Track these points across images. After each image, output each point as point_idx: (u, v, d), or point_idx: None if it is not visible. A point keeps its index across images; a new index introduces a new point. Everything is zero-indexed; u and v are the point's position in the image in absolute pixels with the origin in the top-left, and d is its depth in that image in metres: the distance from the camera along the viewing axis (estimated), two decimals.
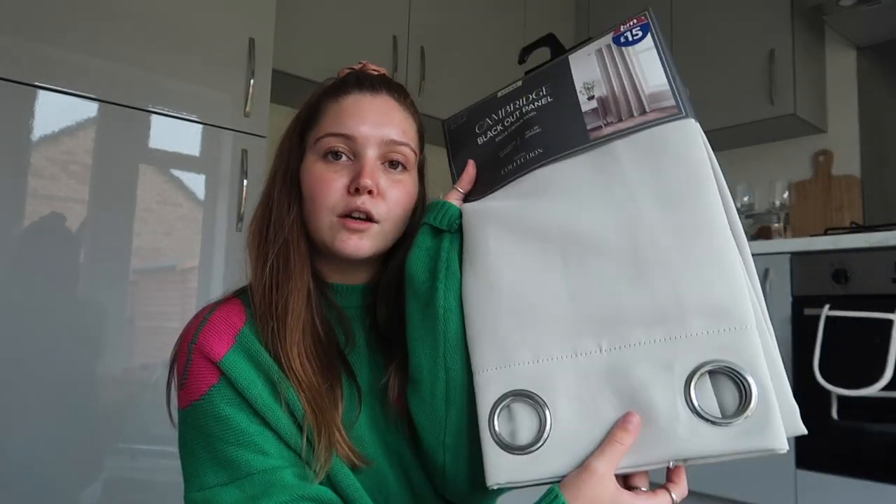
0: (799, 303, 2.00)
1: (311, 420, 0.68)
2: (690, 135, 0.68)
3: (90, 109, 1.52)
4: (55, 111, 1.47)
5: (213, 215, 1.68)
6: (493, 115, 0.82)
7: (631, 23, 0.75)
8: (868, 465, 1.82)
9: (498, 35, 2.83)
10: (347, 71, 0.83)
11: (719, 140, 2.77)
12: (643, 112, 0.70)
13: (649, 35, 0.73)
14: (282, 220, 0.76)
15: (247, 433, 0.67)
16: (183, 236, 1.64)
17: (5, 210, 1.40)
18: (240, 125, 1.73)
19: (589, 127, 0.72)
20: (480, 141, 0.81)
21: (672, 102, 0.70)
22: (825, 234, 2.17)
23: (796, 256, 2.04)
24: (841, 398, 1.83)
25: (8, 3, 1.41)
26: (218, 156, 1.70)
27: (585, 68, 0.76)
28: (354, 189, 0.72)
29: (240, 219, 1.70)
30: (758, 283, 0.64)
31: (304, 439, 0.68)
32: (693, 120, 0.69)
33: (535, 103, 0.78)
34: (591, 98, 0.74)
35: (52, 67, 1.46)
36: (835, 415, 1.84)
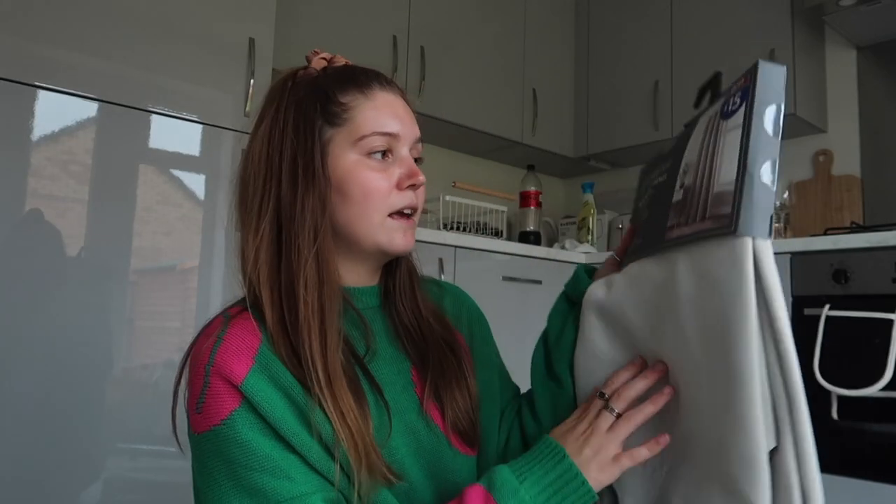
0: (799, 303, 2.00)
1: (348, 444, 0.65)
2: (734, 258, 0.55)
3: (90, 109, 1.52)
4: (55, 111, 1.47)
5: (213, 215, 1.68)
6: (646, 180, 0.81)
7: (740, 83, 0.59)
8: (868, 465, 1.82)
9: (498, 35, 2.83)
10: (324, 61, 0.81)
11: None
12: (703, 217, 0.59)
13: (744, 106, 0.57)
14: (315, 224, 0.70)
15: (272, 459, 0.64)
16: (183, 236, 1.64)
17: (5, 210, 1.40)
18: (240, 125, 1.73)
19: (668, 224, 0.65)
20: (640, 204, 0.82)
21: (728, 210, 0.55)
22: (825, 234, 2.17)
23: (796, 256, 2.04)
24: (841, 398, 1.83)
25: (8, 3, 1.41)
26: (218, 156, 1.70)
27: (693, 145, 0.65)
28: (408, 186, 0.74)
29: None
30: (801, 416, 0.56)
31: (338, 464, 0.65)
32: (745, 238, 0.54)
33: (658, 178, 0.73)
34: (681, 186, 0.64)
35: (52, 67, 1.46)
36: (835, 415, 1.84)
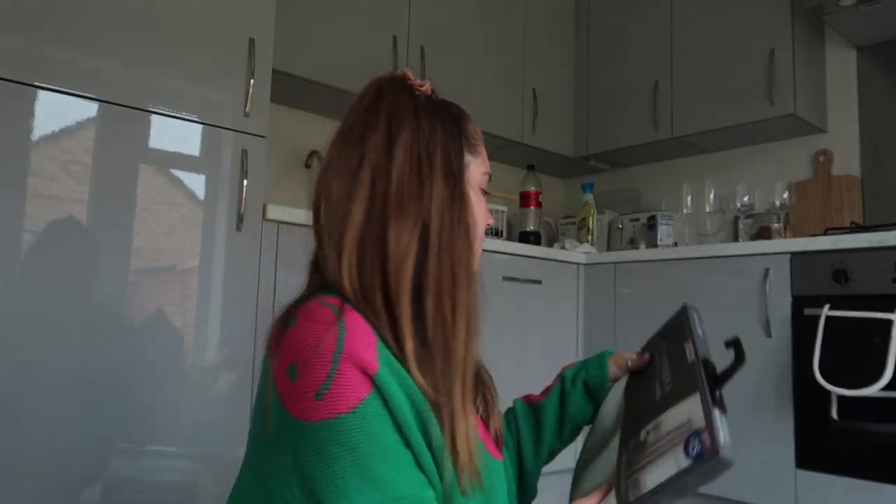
0: (799, 303, 2.00)
1: (465, 462, 0.69)
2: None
3: (90, 109, 1.52)
4: (55, 111, 1.46)
5: (213, 215, 1.68)
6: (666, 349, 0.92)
7: (703, 436, 0.67)
8: (868, 465, 1.82)
9: (498, 35, 2.83)
10: (405, 77, 0.83)
11: (719, 140, 2.77)
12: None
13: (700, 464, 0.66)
14: (466, 239, 0.77)
15: (396, 452, 0.64)
16: (183, 236, 1.64)
17: (5, 210, 1.40)
18: (240, 125, 1.73)
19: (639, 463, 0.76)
20: (654, 368, 0.92)
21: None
22: (825, 234, 2.17)
23: (796, 256, 2.04)
24: (841, 398, 1.83)
25: (8, 3, 1.41)
26: (218, 156, 1.70)
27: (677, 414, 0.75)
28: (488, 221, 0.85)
29: (240, 219, 1.69)
30: None
31: (446, 472, 0.68)
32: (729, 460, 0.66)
33: (664, 388, 0.83)
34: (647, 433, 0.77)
35: (52, 67, 1.46)
36: (835, 415, 1.84)
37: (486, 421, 0.83)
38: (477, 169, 0.83)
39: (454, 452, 0.68)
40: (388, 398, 0.65)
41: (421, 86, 0.82)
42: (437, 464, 0.67)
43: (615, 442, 0.84)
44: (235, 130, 1.72)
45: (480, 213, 0.82)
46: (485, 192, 0.85)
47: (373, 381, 0.64)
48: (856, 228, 2.20)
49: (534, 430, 1.01)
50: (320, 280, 0.75)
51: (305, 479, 0.63)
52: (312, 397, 0.63)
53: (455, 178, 0.76)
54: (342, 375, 0.63)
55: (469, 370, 0.71)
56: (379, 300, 0.70)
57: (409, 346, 0.68)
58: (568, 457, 1.05)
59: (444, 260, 0.72)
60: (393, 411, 0.65)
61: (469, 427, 0.69)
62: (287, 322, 0.69)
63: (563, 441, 1.02)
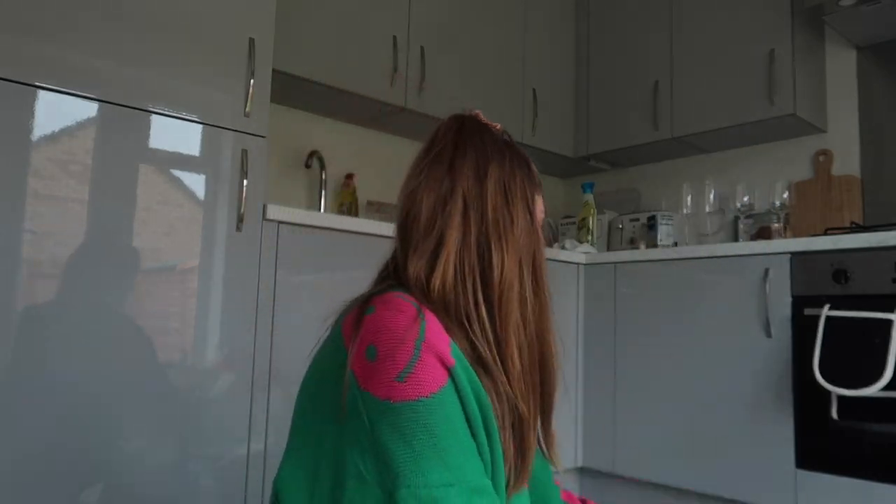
0: (799, 303, 2.00)
1: (513, 467, 0.77)
2: None
3: (90, 109, 1.52)
4: (55, 111, 1.47)
5: (213, 215, 1.68)
6: None
7: None
8: (868, 465, 1.82)
9: (498, 35, 2.83)
10: (478, 116, 0.94)
11: (719, 140, 2.77)
12: None
13: None
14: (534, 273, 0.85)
15: (467, 441, 0.71)
16: (183, 236, 1.64)
17: (5, 210, 1.40)
18: (240, 125, 1.73)
19: None
20: None
21: None
22: (825, 234, 2.17)
23: (796, 256, 2.04)
24: (841, 398, 1.83)
25: (8, 3, 1.41)
26: (218, 156, 1.70)
27: None
28: None
29: (240, 219, 1.69)
30: None
31: (506, 477, 0.76)
32: None
33: None
34: None
35: (52, 67, 1.46)
36: (835, 415, 1.85)
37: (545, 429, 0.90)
38: (539, 208, 0.89)
39: (516, 458, 0.77)
40: (460, 390, 0.71)
41: (495, 126, 0.91)
42: (492, 463, 0.74)
43: None
44: (235, 130, 1.72)
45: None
46: None
47: (449, 372, 0.71)
48: (856, 228, 2.21)
49: None
50: (396, 282, 0.82)
51: (382, 453, 0.69)
52: (395, 378, 0.69)
53: (531, 213, 0.86)
54: (424, 363, 0.70)
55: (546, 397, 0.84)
56: (472, 312, 0.79)
57: (489, 356, 0.77)
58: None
59: (538, 292, 0.84)
60: (464, 403, 0.72)
61: (531, 443, 0.79)
62: (365, 309, 0.75)
63: None
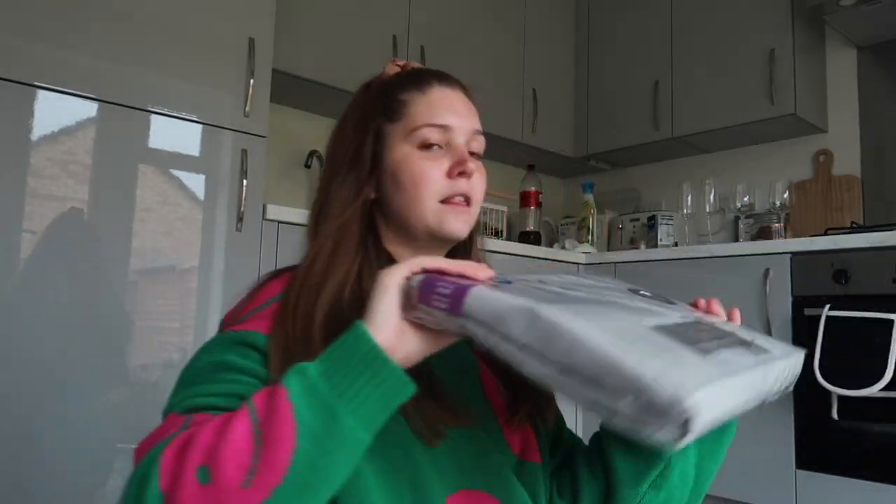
0: (799, 303, 2.00)
1: None
2: None
3: (90, 109, 1.52)
4: (55, 111, 1.46)
5: (213, 215, 1.68)
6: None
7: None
8: (868, 465, 1.82)
9: (498, 35, 2.83)
10: (397, 68, 0.86)
11: (719, 140, 2.77)
12: None
13: None
14: (341, 205, 0.76)
15: None
16: (183, 236, 1.64)
17: (5, 210, 1.40)
18: (240, 125, 1.73)
19: None
20: None
21: None
22: (825, 234, 2.17)
23: (796, 256, 2.04)
24: (841, 398, 1.83)
25: (8, 3, 1.41)
26: (218, 156, 1.70)
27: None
28: (458, 173, 0.77)
29: (240, 219, 1.69)
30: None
31: None
32: None
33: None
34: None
35: (52, 67, 1.46)
36: (835, 415, 1.84)
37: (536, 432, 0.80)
38: (403, 130, 0.78)
39: None
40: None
41: (389, 68, 0.86)
42: None
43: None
44: (235, 130, 1.72)
45: (424, 167, 0.77)
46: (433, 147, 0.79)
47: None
48: (856, 228, 2.20)
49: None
50: None
51: None
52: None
53: (356, 154, 0.79)
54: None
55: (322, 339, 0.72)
56: None
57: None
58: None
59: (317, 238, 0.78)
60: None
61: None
62: None
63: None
